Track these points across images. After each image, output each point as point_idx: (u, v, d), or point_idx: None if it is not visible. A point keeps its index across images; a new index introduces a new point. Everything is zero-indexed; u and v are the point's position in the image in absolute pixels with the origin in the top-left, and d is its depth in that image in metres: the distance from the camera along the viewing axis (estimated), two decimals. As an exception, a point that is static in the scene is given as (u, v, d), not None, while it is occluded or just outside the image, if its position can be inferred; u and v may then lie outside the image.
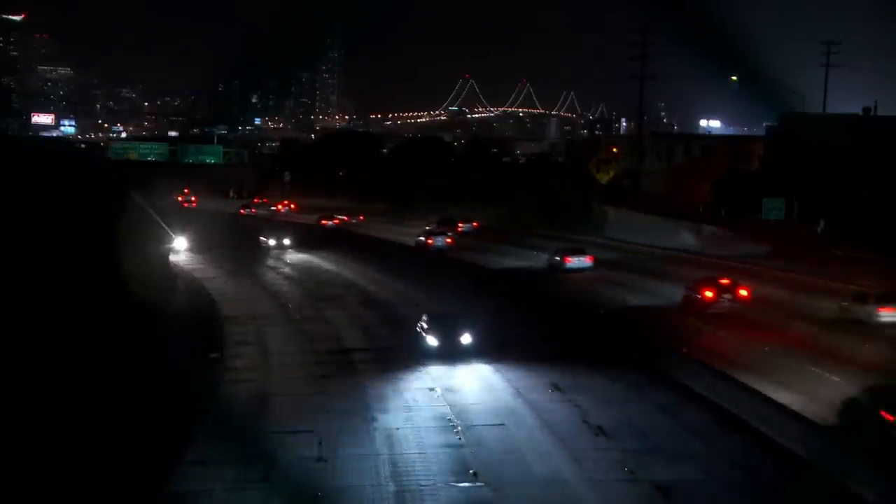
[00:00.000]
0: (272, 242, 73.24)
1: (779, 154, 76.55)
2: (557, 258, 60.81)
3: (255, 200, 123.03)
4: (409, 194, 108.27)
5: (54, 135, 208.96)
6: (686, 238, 70.49)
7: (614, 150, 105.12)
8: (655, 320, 41.03)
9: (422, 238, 76.21)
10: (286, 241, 73.17)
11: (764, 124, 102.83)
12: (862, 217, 54.58)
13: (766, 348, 34.17)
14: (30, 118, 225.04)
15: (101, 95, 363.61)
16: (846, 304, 39.78)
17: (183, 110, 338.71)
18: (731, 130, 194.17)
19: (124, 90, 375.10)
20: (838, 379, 28.67)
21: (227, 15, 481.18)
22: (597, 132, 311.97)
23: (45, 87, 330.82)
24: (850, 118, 77.25)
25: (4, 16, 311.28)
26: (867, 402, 24.69)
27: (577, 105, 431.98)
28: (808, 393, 27.55)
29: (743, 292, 43.04)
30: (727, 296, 42.66)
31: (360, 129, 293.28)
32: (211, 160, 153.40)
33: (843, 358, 31.94)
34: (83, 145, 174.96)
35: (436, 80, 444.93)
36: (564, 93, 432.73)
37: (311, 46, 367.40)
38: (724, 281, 43.77)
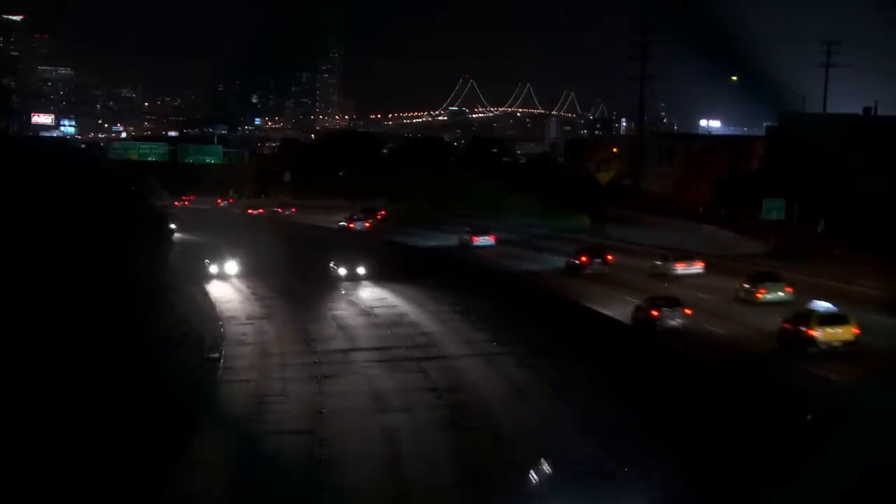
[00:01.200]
0: (343, 272, 60.13)
1: (779, 154, 76.51)
2: (466, 237, 75.54)
3: (183, 197, 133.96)
4: (410, 194, 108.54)
5: (54, 135, 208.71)
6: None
7: (615, 150, 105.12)
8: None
9: (343, 223, 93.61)
10: (360, 271, 60.13)
11: (764, 124, 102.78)
12: (862, 217, 54.48)
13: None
14: (30, 118, 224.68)
15: (101, 95, 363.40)
16: (658, 262, 56.50)
17: (183, 110, 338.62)
18: (731, 130, 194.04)
19: (124, 90, 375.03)
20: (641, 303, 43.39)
21: (227, 15, 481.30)
22: (597, 132, 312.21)
23: (45, 87, 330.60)
24: (850, 118, 77.12)
25: (4, 16, 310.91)
26: (646, 307, 41.85)
27: (577, 105, 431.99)
28: (621, 312, 43.87)
29: (609, 258, 59.68)
30: (598, 260, 59.13)
31: (360, 129, 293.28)
32: (211, 160, 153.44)
33: (649, 293, 46.46)
34: (83, 145, 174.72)
35: (436, 80, 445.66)
36: (564, 93, 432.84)
37: (312, 46, 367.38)
38: (596, 250, 61.01)
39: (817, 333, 35.42)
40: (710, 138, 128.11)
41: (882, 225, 51.20)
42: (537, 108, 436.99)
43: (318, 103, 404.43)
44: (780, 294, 46.07)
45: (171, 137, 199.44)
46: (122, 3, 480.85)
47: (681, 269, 55.22)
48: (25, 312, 25.39)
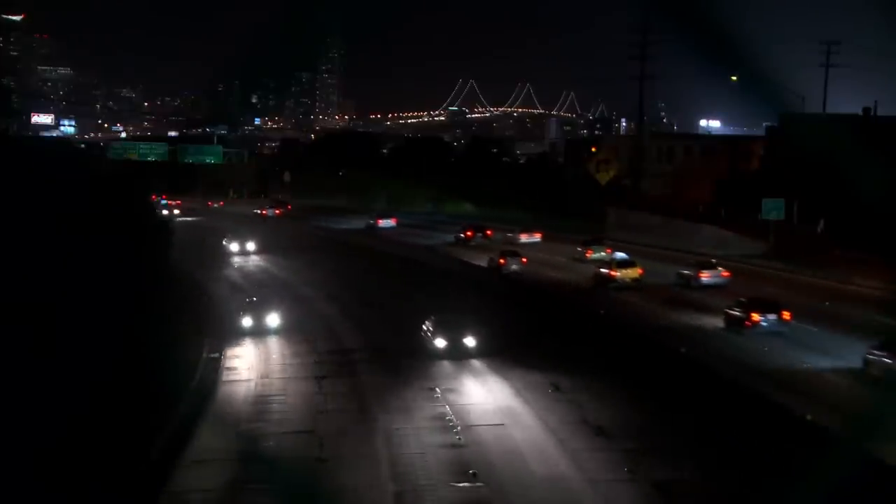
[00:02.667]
0: (442, 344, 36.84)
1: (779, 154, 76.45)
2: (371, 221, 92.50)
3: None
4: (409, 194, 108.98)
5: (54, 135, 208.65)
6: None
7: (614, 150, 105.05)
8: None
9: (257, 210, 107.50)
10: (469, 342, 36.89)
11: (764, 124, 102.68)
12: (862, 217, 54.51)
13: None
14: (30, 118, 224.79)
15: (101, 95, 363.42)
16: (510, 235, 77.31)
17: (183, 110, 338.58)
18: (731, 130, 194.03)
19: (124, 90, 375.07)
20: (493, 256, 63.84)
21: (227, 15, 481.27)
22: (597, 132, 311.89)
23: (45, 87, 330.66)
24: (850, 118, 77.03)
25: (4, 16, 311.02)
26: (496, 257, 61.98)
27: (577, 105, 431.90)
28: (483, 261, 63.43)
29: (488, 232, 78.55)
30: (479, 234, 78.20)
31: (360, 129, 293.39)
32: (211, 160, 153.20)
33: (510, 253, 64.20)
34: (83, 145, 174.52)
35: (436, 80, 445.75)
36: (564, 93, 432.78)
37: (311, 46, 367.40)
38: (479, 227, 79.71)
39: (616, 273, 54.25)
40: (710, 138, 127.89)
41: (881, 225, 51.25)
42: (537, 108, 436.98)
43: (317, 103, 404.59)
44: (602, 254, 63.57)
45: (171, 137, 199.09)
46: (123, 3, 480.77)
47: (524, 238, 76.53)
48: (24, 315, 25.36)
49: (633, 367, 32.02)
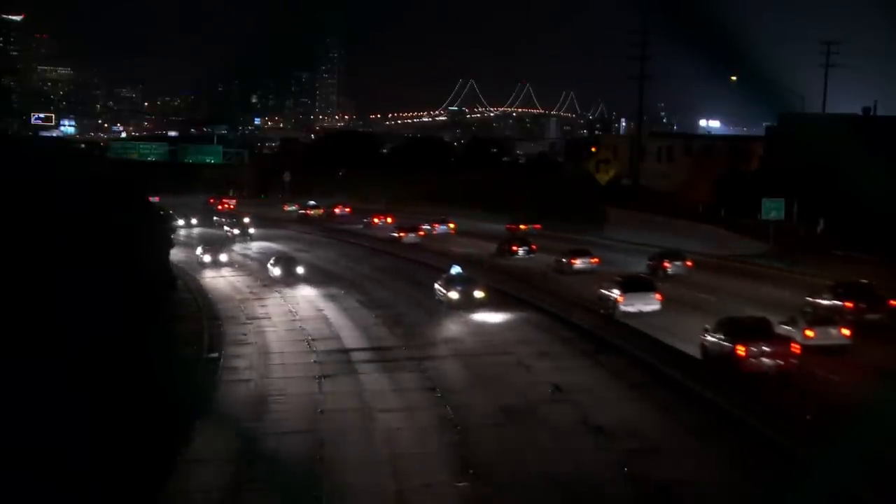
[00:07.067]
0: None
1: (779, 154, 76.48)
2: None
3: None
4: (409, 194, 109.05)
5: (54, 135, 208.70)
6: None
7: (615, 150, 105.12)
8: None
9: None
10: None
11: (764, 124, 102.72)
12: (862, 217, 54.51)
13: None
14: (30, 118, 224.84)
15: (101, 95, 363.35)
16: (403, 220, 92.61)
17: (183, 110, 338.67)
18: (731, 130, 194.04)
19: (124, 90, 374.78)
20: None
21: (226, 15, 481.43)
22: (596, 132, 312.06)
23: (45, 87, 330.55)
24: (850, 118, 77.08)
25: (4, 16, 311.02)
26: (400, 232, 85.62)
27: (576, 105, 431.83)
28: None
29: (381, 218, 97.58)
30: (366, 219, 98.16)
31: (360, 129, 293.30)
32: (211, 160, 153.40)
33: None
34: (83, 145, 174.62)
35: (436, 80, 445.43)
36: (564, 93, 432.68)
37: (311, 46, 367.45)
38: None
39: (311, 213, 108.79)
40: (709, 138, 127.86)
41: (881, 225, 51.26)
42: (537, 108, 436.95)
43: (318, 103, 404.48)
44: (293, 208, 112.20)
45: (171, 137, 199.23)
46: (123, 3, 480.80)
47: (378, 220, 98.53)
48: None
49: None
